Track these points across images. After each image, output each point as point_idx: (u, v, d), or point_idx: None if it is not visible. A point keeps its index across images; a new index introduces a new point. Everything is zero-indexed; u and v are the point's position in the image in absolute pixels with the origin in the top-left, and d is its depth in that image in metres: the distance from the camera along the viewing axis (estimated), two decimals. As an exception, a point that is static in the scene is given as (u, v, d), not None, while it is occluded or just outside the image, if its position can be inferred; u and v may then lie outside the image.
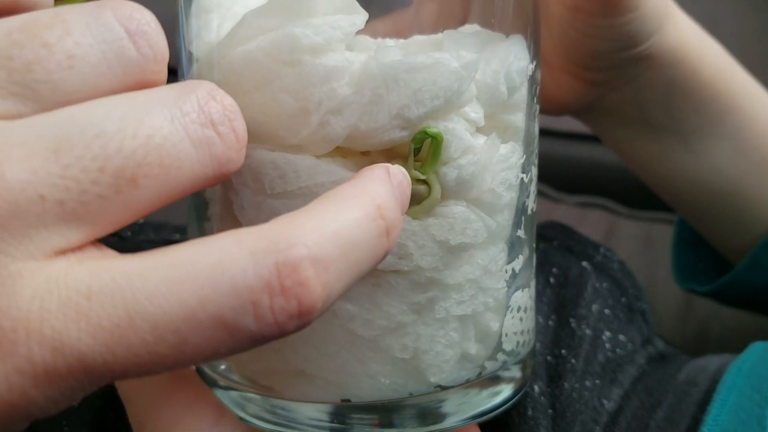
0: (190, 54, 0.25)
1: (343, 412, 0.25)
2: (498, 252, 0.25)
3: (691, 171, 0.40)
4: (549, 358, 0.35)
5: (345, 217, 0.18)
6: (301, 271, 0.16)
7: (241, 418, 0.25)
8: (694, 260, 0.47)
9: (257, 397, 0.25)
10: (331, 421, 0.25)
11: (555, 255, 0.42)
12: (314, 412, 0.25)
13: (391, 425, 0.25)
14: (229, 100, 0.19)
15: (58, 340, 0.15)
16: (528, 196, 0.27)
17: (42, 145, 0.16)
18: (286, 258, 0.16)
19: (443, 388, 0.25)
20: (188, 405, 0.24)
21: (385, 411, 0.25)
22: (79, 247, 0.17)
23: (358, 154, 0.23)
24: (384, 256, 0.19)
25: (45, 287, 0.16)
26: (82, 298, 0.16)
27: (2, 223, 0.16)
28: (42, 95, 0.17)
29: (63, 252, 0.16)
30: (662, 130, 0.40)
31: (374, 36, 0.25)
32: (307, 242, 0.16)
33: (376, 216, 0.18)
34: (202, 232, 0.26)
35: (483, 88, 0.24)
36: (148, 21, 0.18)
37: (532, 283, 0.28)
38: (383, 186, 0.19)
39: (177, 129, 0.17)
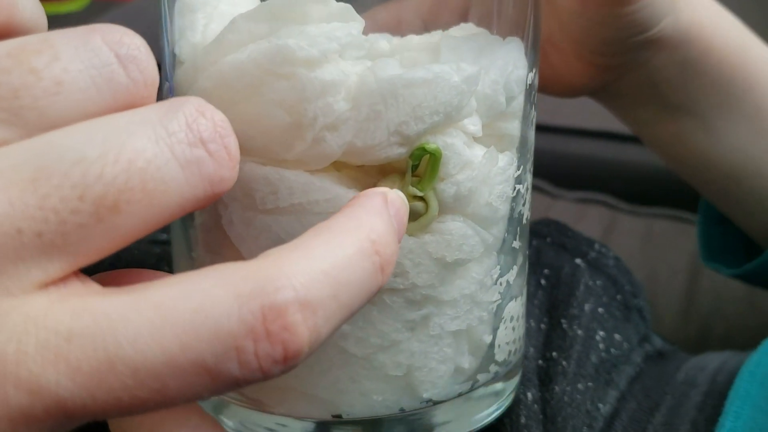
0: (174, 55, 0.24)
1: (329, 426, 0.24)
2: (492, 265, 0.25)
3: (710, 151, 0.39)
4: (540, 362, 0.35)
5: (337, 255, 0.17)
6: (287, 315, 0.15)
7: (226, 425, 0.25)
8: (723, 237, 0.45)
9: (240, 407, 0.25)
10: None
11: (548, 253, 0.41)
12: (299, 424, 0.24)
13: None
14: (219, 116, 0.18)
15: (36, 383, 0.15)
16: (523, 205, 0.26)
17: (19, 175, 0.15)
18: (272, 302, 0.15)
19: (435, 402, 0.25)
20: (169, 410, 0.23)
21: (374, 425, 0.24)
22: (61, 279, 0.16)
23: (353, 168, 0.22)
24: (377, 292, 0.18)
25: (22, 327, 0.15)
26: (62, 340, 0.15)
27: None
28: (29, 122, 0.16)
29: (44, 285, 0.16)
30: (679, 111, 0.39)
31: (370, 27, 0.23)
32: (295, 284, 0.16)
33: (371, 252, 0.17)
34: (187, 240, 0.25)
35: (482, 99, 0.23)
36: (138, 46, 0.17)
37: (524, 290, 0.28)
38: (380, 218, 0.18)
39: (162, 150, 0.16)
